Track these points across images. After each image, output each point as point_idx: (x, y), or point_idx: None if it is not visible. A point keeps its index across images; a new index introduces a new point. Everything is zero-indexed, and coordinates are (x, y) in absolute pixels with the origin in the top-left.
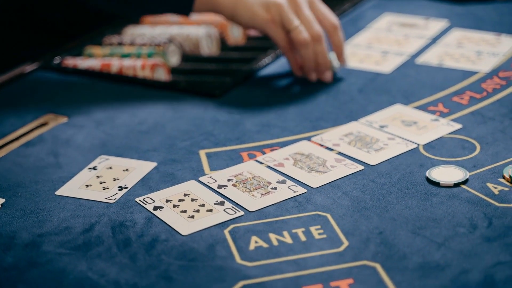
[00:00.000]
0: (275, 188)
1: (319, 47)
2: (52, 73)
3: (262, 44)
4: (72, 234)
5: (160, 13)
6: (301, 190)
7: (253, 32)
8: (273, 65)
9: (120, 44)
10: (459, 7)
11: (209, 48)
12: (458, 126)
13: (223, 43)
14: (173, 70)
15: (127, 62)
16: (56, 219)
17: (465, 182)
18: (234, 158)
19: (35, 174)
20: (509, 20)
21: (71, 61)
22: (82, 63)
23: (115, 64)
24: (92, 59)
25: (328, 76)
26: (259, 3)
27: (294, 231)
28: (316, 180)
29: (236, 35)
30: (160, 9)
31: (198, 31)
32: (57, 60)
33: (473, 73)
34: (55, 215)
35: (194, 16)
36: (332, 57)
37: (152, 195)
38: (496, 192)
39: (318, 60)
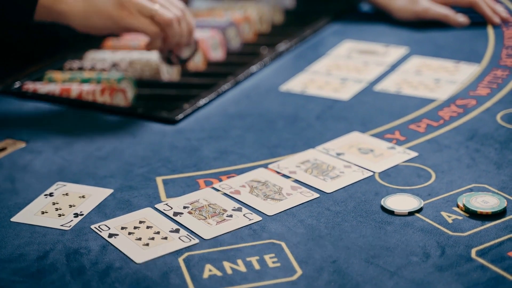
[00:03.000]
0: (231, 216)
1: (171, 30)
2: (11, 98)
3: (222, 70)
4: (26, 262)
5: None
6: (256, 218)
7: (214, 57)
8: (233, 91)
9: (81, 69)
10: (419, 34)
11: (169, 74)
12: (414, 154)
13: (183, 69)
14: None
15: (86, 87)
16: (10, 246)
17: (419, 210)
18: (191, 185)
19: None
20: (468, 47)
21: (31, 86)
22: (42, 87)
23: (75, 89)
24: (52, 84)
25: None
26: (110, 4)
27: (248, 259)
28: (271, 208)
29: (196, 60)
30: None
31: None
32: (17, 85)
33: (430, 100)
34: (10, 242)
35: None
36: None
37: (107, 222)
38: (450, 221)
39: (182, 40)
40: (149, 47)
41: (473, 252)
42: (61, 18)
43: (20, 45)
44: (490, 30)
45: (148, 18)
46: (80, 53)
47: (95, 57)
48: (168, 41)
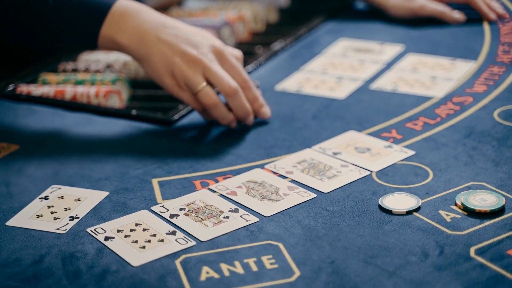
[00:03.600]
0: (228, 217)
1: (235, 101)
2: (5, 101)
3: None
4: (22, 266)
5: (66, 47)
6: (253, 219)
7: None
8: None
9: (75, 70)
10: (415, 31)
11: None
12: (411, 152)
13: None
14: (128, 97)
15: (80, 89)
16: (5, 251)
17: (417, 209)
18: (187, 187)
19: None
20: (463, 44)
21: (25, 88)
22: (36, 90)
23: (69, 91)
24: (46, 86)
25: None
26: (163, 67)
27: (245, 261)
28: (268, 209)
29: None
30: (66, 42)
31: None
32: (10, 87)
33: (427, 98)
34: (5, 247)
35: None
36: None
37: (103, 225)
38: (448, 220)
39: (240, 115)
40: (206, 117)
41: (472, 251)
42: (123, 51)
43: (13, 47)
44: (486, 27)
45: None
46: (74, 54)
47: (89, 59)
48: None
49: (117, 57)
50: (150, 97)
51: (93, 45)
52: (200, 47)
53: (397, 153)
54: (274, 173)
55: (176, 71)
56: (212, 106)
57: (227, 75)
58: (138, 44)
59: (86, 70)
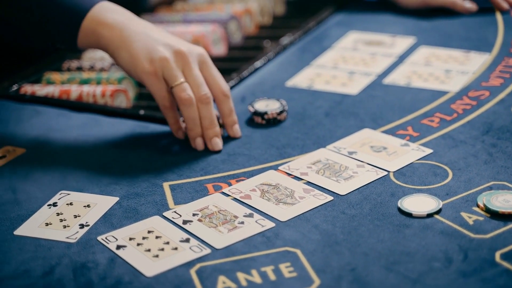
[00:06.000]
0: (242, 223)
1: (204, 110)
2: (9, 102)
3: (225, 65)
4: (32, 278)
5: (45, 45)
6: (269, 224)
7: (216, 53)
8: (237, 88)
9: (80, 69)
10: (426, 23)
11: None
12: (429, 151)
13: None
14: (135, 96)
15: (86, 89)
16: (14, 262)
17: (438, 212)
18: (199, 191)
19: None
20: (476, 36)
21: (29, 88)
22: (41, 90)
23: (75, 91)
24: (51, 86)
25: (217, 142)
26: (144, 52)
27: (263, 269)
28: (284, 213)
29: None
30: (44, 41)
31: None
32: (14, 88)
33: (442, 93)
34: (14, 257)
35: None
36: None
37: (114, 233)
38: (471, 222)
39: (204, 125)
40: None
41: (497, 256)
42: (101, 43)
43: (16, 46)
44: (499, 17)
45: (166, 87)
46: (78, 52)
47: (93, 56)
48: (186, 122)
49: None
50: None
51: (73, 40)
52: (187, 46)
53: (414, 152)
54: (289, 174)
55: (157, 59)
56: (187, 103)
57: (204, 83)
58: (119, 33)
59: (91, 69)
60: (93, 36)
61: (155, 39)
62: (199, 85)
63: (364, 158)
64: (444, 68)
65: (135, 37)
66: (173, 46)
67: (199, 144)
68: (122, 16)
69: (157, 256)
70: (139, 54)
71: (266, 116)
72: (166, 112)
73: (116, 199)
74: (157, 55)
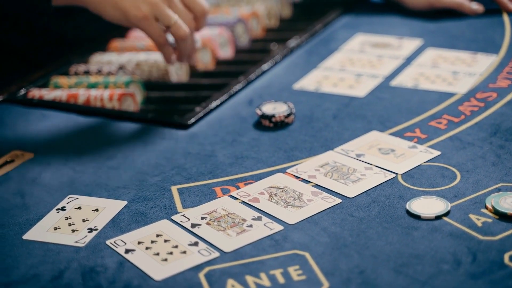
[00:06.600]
0: (251, 226)
1: (191, 38)
2: (17, 106)
3: (232, 69)
4: (41, 282)
5: (18, 9)
6: (277, 227)
7: (222, 56)
8: (244, 91)
9: (87, 73)
10: (433, 24)
11: (178, 75)
12: (437, 153)
13: (192, 69)
14: (142, 99)
15: (94, 93)
16: (23, 266)
17: (446, 214)
18: (207, 194)
19: (1, 217)
20: (483, 37)
21: (37, 93)
22: (48, 94)
23: (82, 95)
24: (58, 90)
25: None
26: (129, 2)
27: (271, 272)
28: (292, 216)
29: (205, 60)
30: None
31: None
32: (22, 92)
33: (449, 95)
34: (23, 262)
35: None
36: None
37: (123, 237)
38: (479, 224)
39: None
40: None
41: (506, 257)
42: (79, 1)
43: (24, 50)
44: (506, 18)
45: (160, 26)
46: (85, 56)
47: (101, 60)
48: (180, 52)
49: (129, 58)
50: (165, 99)
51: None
52: None
53: (422, 154)
54: (297, 177)
55: (144, 5)
56: (185, 38)
57: (190, 13)
58: None
59: (99, 72)
60: None
61: None
62: (186, 17)
63: (372, 160)
64: (451, 69)
65: None
66: None
67: (191, 61)
68: None
69: (165, 260)
70: (125, 5)
71: (273, 119)
72: (162, 48)
73: (125, 203)
74: (144, 1)
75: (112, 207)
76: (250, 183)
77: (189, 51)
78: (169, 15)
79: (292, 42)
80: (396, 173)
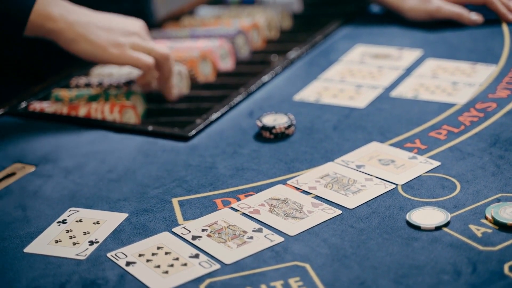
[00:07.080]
0: (251, 238)
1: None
2: (18, 119)
3: (232, 80)
4: None
5: None
6: (278, 239)
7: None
8: (245, 103)
9: (88, 85)
10: (432, 35)
11: (178, 87)
12: (436, 163)
13: (192, 81)
14: (143, 112)
15: (95, 105)
16: (24, 279)
17: (446, 224)
18: (208, 206)
19: (2, 230)
20: (483, 47)
21: (38, 105)
22: (49, 107)
23: (83, 107)
24: (60, 103)
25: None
26: (106, 40)
27: (272, 284)
28: (293, 228)
29: (206, 72)
30: None
31: None
32: (23, 105)
33: (449, 105)
34: (24, 275)
35: None
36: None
37: (124, 249)
38: (479, 235)
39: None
40: (141, 80)
41: (506, 268)
42: (51, 36)
43: (24, 63)
44: (505, 28)
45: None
46: (86, 68)
47: (101, 72)
48: (161, 77)
49: (130, 70)
50: (165, 111)
51: (20, 32)
52: (137, 26)
53: (422, 165)
54: (297, 189)
55: (120, 42)
56: (167, 56)
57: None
58: (70, 27)
59: (100, 85)
60: (40, 30)
61: (109, 28)
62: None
63: (372, 171)
64: (451, 80)
65: (88, 28)
66: (129, 30)
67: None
68: (64, 8)
69: (166, 272)
70: (103, 43)
71: (274, 131)
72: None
73: (125, 215)
74: (123, 40)
75: (113, 219)
76: (251, 194)
77: (168, 76)
78: (143, 45)
79: (292, 54)
80: (396, 184)
